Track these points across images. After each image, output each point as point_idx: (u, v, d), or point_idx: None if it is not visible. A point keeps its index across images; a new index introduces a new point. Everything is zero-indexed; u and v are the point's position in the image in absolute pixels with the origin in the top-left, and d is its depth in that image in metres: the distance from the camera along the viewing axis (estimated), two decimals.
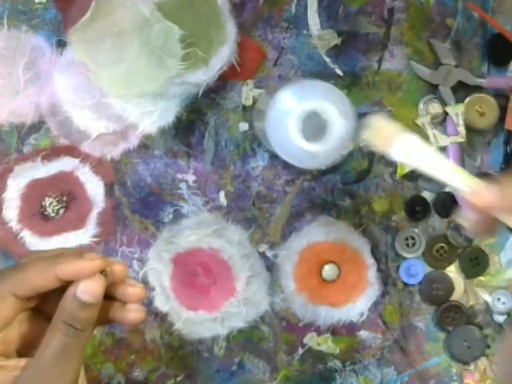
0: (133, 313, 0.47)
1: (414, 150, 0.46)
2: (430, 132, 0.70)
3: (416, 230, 0.71)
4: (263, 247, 0.70)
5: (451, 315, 0.71)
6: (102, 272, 0.44)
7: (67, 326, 0.43)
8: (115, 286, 0.46)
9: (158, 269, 0.67)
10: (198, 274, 0.67)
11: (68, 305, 0.43)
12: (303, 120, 0.60)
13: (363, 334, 0.71)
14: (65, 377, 0.43)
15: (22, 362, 0.44)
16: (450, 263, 0.72)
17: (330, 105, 0.60)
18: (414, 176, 0.71)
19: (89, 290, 0.43)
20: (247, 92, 0.68)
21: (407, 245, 0.71)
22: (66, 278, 0.44)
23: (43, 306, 0.47)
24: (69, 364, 0.43)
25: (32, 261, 0.45)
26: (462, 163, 0.70)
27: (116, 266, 0.46)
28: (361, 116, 0.69)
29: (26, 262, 0.45)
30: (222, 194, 0.69)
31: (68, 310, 0.43)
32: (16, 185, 0.65)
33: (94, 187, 0.66)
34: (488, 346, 0.72)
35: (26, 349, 0.46)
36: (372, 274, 0.70)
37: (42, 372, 0.43)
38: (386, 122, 0.47)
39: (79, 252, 0.46)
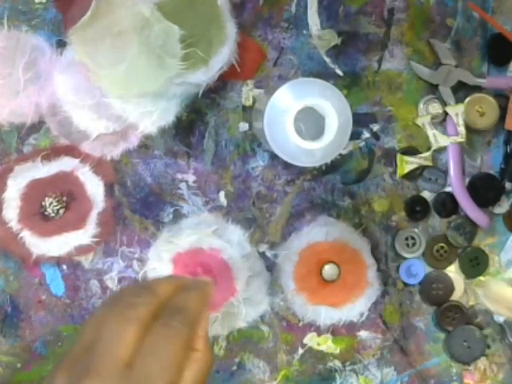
0: None
1: None
2: (430, 132, 0.70)
3: (416, 230, 0.71)
4: (263, 247, 0.70)
5: (451, 315, 0.71)
6: None
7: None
8: None
9: (158, 269, 0.67)
10: (198, 274, 0.67)
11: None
12: (300, 117, 0.60)
13: (363, 334, 0.71)
14: None
15: None
16: (450, 263, 0.72)
17: (326, 102, 0.60)
18: (414, 176, 0.71)
19: None
20: (247, 92, 0.68)
21: (407, 245, 0.71)
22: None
23: None
24: None
25: None
26: (462, 163, 0.70)
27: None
28: (361, 116, 0.70)
29: None
30: (221, 194, 0.69)
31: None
32: (16, 185, 0.65)
33: (94, 187, 0.66)
34: (488, 346, 0.72)
35: None
36: (372, 274, 0.70)
37: None
38: (504, 288, 0.44)
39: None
